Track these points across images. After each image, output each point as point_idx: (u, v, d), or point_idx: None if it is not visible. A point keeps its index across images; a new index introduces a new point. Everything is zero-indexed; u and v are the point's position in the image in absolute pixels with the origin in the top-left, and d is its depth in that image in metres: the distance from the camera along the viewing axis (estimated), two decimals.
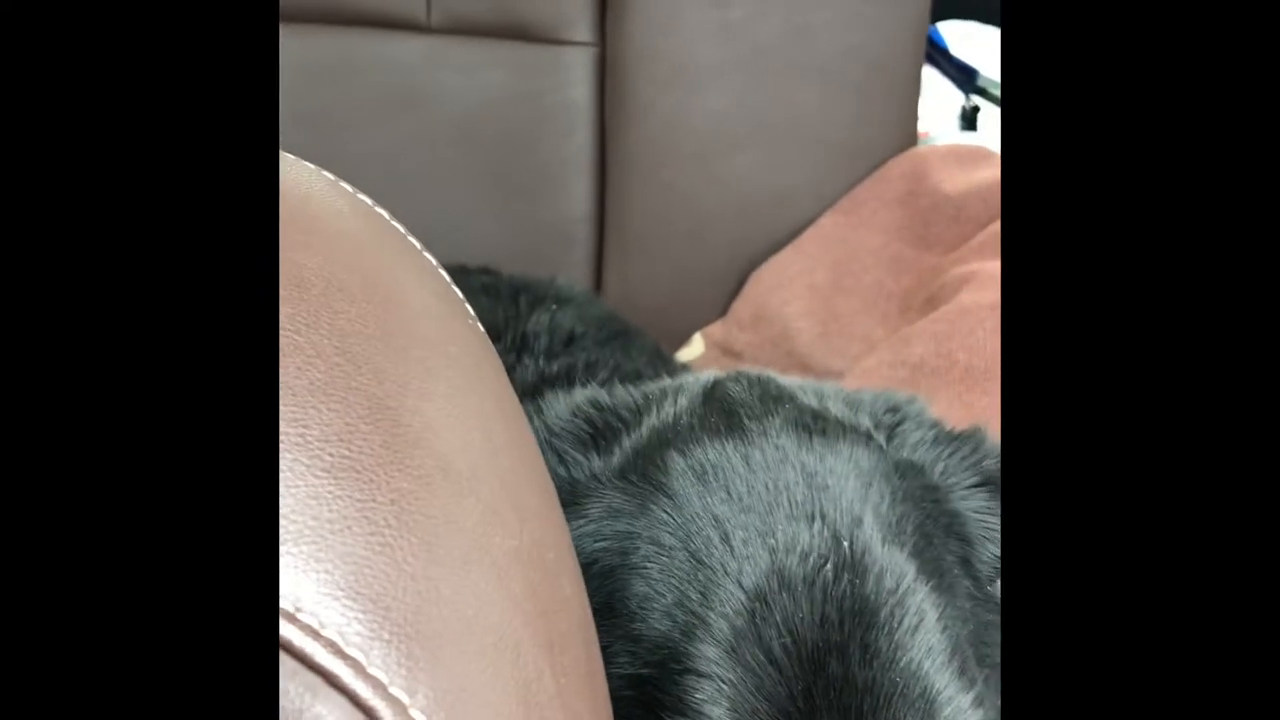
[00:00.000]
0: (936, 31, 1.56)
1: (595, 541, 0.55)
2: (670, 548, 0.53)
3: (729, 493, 0.54)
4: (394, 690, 0.31)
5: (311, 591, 0.31)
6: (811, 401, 0.61)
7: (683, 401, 0.60)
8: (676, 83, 1.20)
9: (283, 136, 0.43)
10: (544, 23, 1.22)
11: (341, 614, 0.31)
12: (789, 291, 1.17)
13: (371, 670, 0.31)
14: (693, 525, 0.53)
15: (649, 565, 0.53)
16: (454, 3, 1.22)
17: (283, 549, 0.31)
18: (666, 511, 0.54)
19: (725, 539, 0.52)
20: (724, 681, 0.49)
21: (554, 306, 0.91)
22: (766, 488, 0.54)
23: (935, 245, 1.15)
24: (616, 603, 0.53)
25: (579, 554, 0.49)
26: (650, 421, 0.59)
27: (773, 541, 0.52)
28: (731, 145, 1.22)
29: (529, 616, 0.35)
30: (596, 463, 0.58)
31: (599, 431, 0.60)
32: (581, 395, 0.63)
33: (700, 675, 0.49)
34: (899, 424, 0.62)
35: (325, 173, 0.43)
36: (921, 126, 1.32)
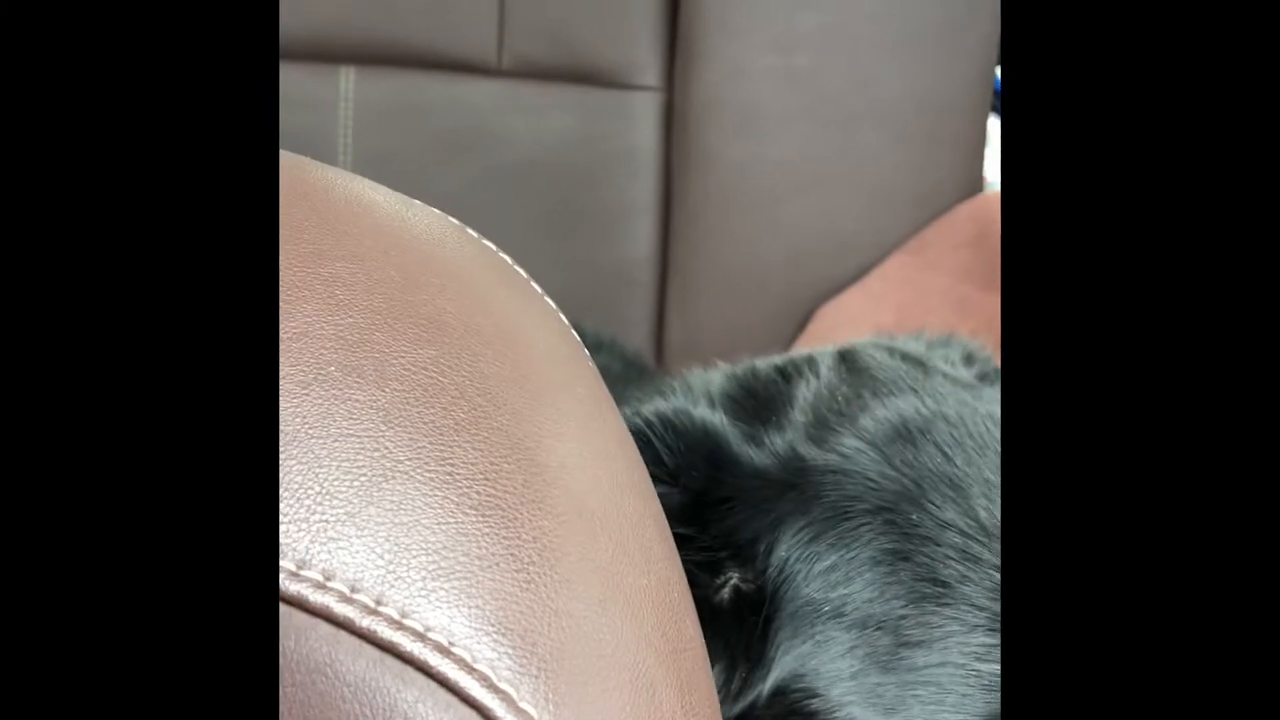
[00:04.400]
0: (997, 78, 1.57)
1: (841, 521, 0.51)
2: (907, 513, 0.50)
3: (940, 451, 0.51)
4: None
5: (464, 626, 0.32)
6: (929, 363, 0.58)
7: (820, 374, 0.57)
8: (742, 129, 1.22)
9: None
10: (613, 68, 1.24)
11: (492, 648, 0.32)
12: (854, 331, 1.18)
13: (522, 704, 0.32)
14: (927, 482, 0.50)
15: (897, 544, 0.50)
16: (524, 47, 1.25)
17: (435, 584, 0.32)
18: (887, 478, 0.51)
19: (966, 499, 0.50)
20: None
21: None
22: (974, 439, 0.52)
23: None
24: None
25: (823, 537, 0.48)
26: (803, 391, 0.56)
27: None
28: (796, 192, 1.23)
29: (661, 655, 0.36)
30: (777, 440, 0.54)
31: (760, 402, 0.56)
32: (722, 369, 0.59)
33: None
34: (983, 374, 0.60)
35: (451, 219, 0.45)
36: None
